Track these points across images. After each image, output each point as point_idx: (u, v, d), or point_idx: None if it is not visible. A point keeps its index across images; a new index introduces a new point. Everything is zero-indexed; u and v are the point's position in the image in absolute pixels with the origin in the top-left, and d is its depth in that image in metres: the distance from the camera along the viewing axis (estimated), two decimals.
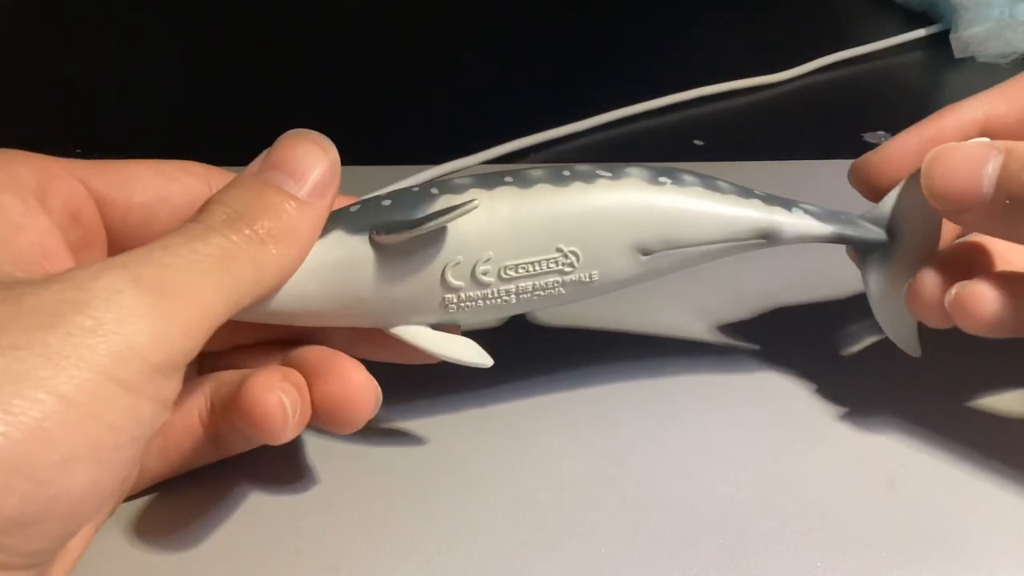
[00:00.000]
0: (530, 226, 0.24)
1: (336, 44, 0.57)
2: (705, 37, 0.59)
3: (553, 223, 0.24)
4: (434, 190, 0.24)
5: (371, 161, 0.40)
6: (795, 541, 0.24)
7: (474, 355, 0.25)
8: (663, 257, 0.26)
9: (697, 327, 0.32)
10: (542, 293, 0.25)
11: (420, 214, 0.24)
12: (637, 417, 0.28)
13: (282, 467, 0.26)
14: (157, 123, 0.48)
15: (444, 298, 0.24)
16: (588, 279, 0.25)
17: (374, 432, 0.27)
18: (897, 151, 0.27)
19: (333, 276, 0.23)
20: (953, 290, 0.24)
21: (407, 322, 0.25)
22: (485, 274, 0.24)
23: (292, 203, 0.22)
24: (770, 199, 0.26)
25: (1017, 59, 0.52)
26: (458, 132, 0.47)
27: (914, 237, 0.26)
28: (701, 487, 0.26)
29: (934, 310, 0.25)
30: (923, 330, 0.27)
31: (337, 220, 0.24)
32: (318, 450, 0.27)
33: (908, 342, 0.27)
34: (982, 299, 0.24)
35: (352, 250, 0.23)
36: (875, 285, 0.27)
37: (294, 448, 0.27)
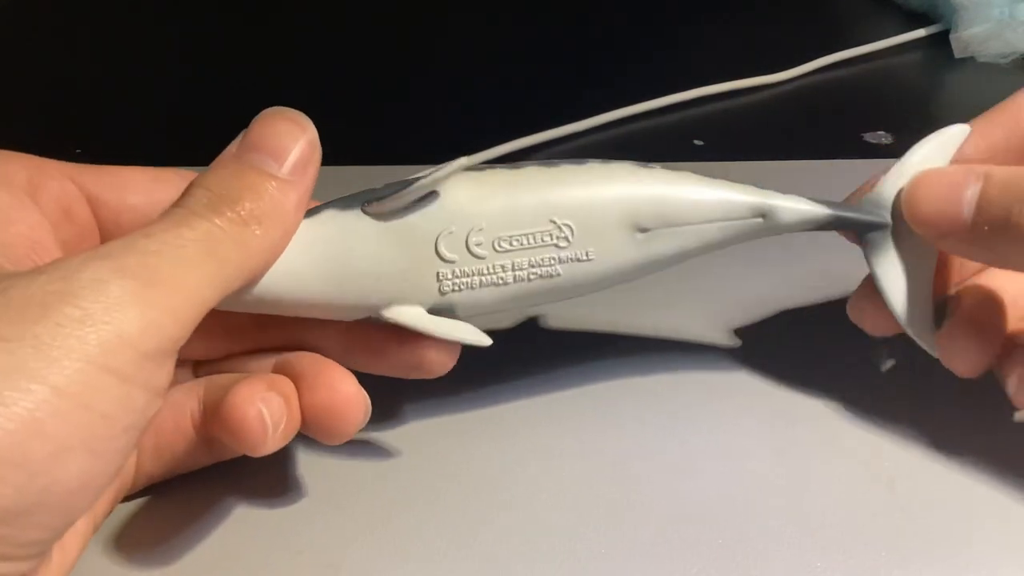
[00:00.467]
0: (522, 197, 0.24)
1: (336, 44, 0.57)
2: (705, 37, 0.59)
3: (545, 195, 0.24)
4: (422, 174, 0.24)
5: (370, 161, 0.40)
6: (795, 541, 0.24)
7: (471, 334, 0.25)
8: (660, 236, 0.25)
9: (696, 328, 0.32)
10: (538, 272, 0.25)
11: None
12: (637, 418, 0.28)
13: (283, 468, 0.26)
14: (157, 123, 0.48)
15: (438, 272, 0.24)
16: (585, 256, 0.25)
17: (376, 433, 0.27)
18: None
19: (326, 250, 0.23)
20: (1014, 379, 0.25)
21: (402, 303, 0.24)
22: (479, 245, 0.24)
23: (273, 183, 0.22)
24: (764, 189, 0.26)
25: (1017, 59, 0.52)
26: (457, 132, 0.46)
27: None
28: (701, 487, 0.26)
29: (971, 368, 0.26)
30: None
31: (329, 203, 0.24)
32: (318, 451, 0.27)
33: (923, 327, 0.27)
34: None
35: (344, 223, 0.23)
36: (884, 270, 0.27)
37: (295, 449, 0.27)
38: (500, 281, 0.25)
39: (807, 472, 0.26)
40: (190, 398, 0.24)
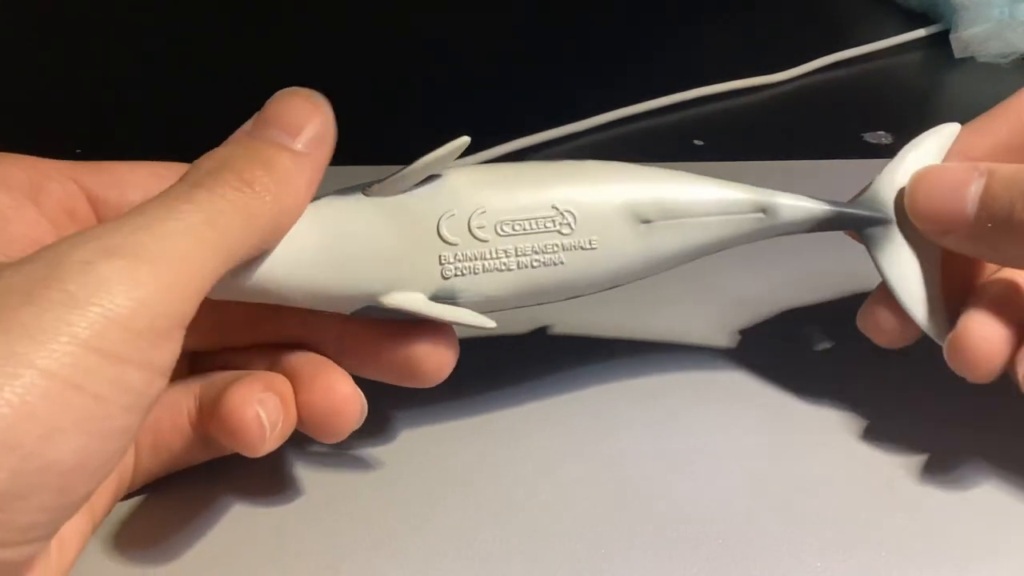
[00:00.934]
0: (524, 183, 0.24)
1: (336, 44, 0.57)
2: (705, 37, 0.59)
3: (547, 183, 0.25)
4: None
5: (370, 161, 0.40)
6: (795, 541, 0.24)
7: (475, 318, 0.24)
8: (662, 229, 0.25)
9: (696, 328, 0.32)
10: (541, 259, 0.24)
11: None
12: (636, 418, 0.28)
13: (283, 468, 0.26)
14: (157, 123, 0.48)
15: (440, 256, 0.24)
16: (588, 245, 0.25)
17: (375, 434, 0.27)
18: None
19: (326, 233, 0.23)
20: (1022, 370, 0.24)
21: (402, 289, 0.24)
22: (481, 228, 0.24)
23: (287, 154, 0.22)
24: (763, 188, 0.26)
25: (1017, 59, 0.52)
26: (457, 132, 0.46)
27: None
28: (701, 487, 0.26)
29: (986, 368, 0.25)
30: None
31: (329, 191, 0.24)
32: (317, 453, 0.27)
33: (934, 320, 0.26)
34: None
35: (345, 206, 0.23)
36: (889, 264, 0.26)
37: (294, 449, 0.27)
38: (503, 267, 0.24)
39: (807, 472, 0.26)
40: (187, 395, 0.24)
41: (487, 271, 0.24)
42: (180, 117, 0.48)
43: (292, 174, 0.22)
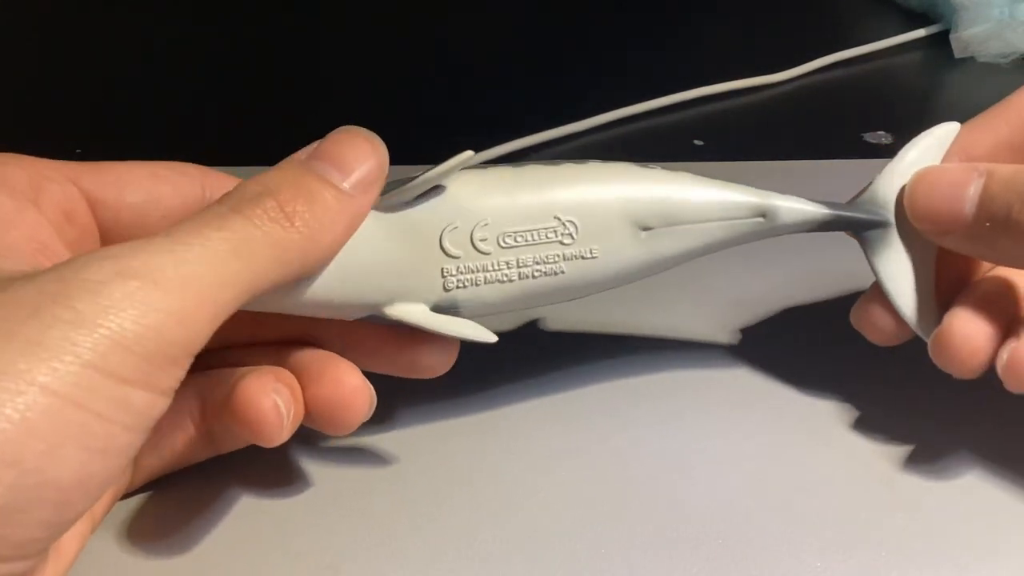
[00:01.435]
0: (526, 193, 0.24)
1: (336, 44, 0.57)
2: (705, 37, 0.59)
3: (548, 191, 0.24)
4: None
5: None
6: (795, 541, 0.24)
7: (475, 332, 0.25)
8: (662, 235, 0.25)
9: (696, 328, 0.32)
10: (543, 269, 0.25)
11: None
12: (637, 418, 0.28)
13: (282, 468, 0.26)
14: (157, 123, 0.48)
15: (443, 268, 0.24)
16: (589, 254, 0.25)
17: (375, 433, 0.27)
18: None
19: None
20: (1005, 354, 0.24)
21: (405, 300, 0.24)
22: (483, 240, 0.24)
23: (332, 191, 0.22)
24: (764, 190, 0.26)
25: (1017, 59, 0.52)
26: (457, 132, 0.46)
27: None
28: (701, 487, 0.26)
29: (969, 363, 0.25)
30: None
31: None
32: (318, 450, 0.27)
33: (928, 323, 0.26)
34: None
35: None
36: (885, 267, 0.27)
37: (294, 448, 0.27)
38: (504, 278, 0.24)
39: (807, 472, 0.26)
40: (188, 395, 0.24)
41: (488, 282, 0.24)
42: (180, 117, 0.48)
43: (333, 212, 0.22)
